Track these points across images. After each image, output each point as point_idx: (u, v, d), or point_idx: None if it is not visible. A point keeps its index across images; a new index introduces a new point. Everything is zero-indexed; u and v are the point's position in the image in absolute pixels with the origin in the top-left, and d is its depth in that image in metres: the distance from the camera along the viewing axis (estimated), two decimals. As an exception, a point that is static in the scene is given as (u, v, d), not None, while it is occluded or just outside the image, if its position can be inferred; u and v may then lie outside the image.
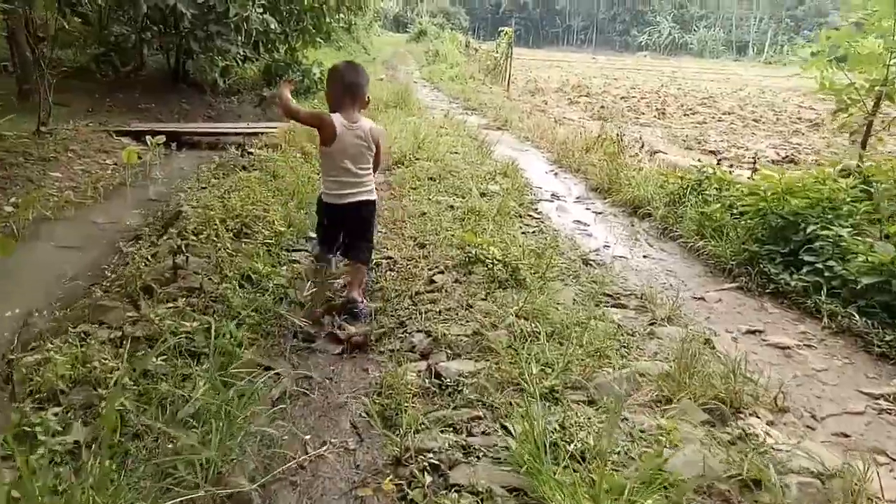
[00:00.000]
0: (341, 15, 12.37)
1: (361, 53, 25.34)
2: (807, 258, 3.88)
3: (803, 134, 13.95)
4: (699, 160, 8.88)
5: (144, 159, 7.39)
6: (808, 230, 3.98)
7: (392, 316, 3.28)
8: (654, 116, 15.31)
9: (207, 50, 9.80)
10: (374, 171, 3.54)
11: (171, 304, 3.06)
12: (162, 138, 7.68)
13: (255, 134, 8.69)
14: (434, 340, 2.93)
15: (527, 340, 2.88)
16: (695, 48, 60.44)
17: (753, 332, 3.44)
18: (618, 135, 7.61)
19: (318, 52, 16.99)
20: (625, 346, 3.03)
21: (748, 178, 5.64)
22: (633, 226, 5.43)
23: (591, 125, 13.43)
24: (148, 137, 7.61)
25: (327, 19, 11.57)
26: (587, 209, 5.94)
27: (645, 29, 62.00)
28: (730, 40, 60.72)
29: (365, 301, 3.42)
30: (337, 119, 3.23)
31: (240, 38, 10.01)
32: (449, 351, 2.85)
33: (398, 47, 35.09)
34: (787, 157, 10.68)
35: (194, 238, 3.84)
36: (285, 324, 3.15)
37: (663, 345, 3.12)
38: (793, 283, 3.81)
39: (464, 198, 5.54)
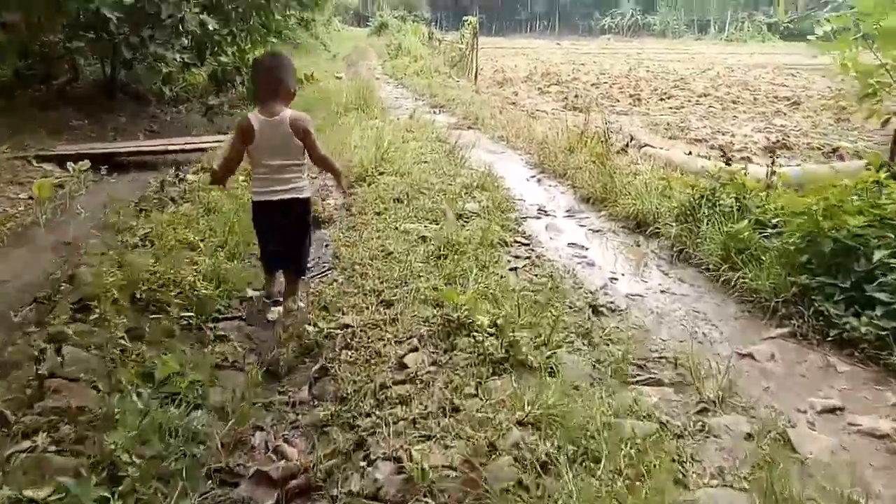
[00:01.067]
0: (292, 12, 11.26)
1: (321, 50, 24.13)
2: (877, 295, 3.01)
3: (785, 114, 13.22)
4: (699, 155, 8.07)
5: (67, 189, 6.33)
6: (874, 257, 3.11)
7: (347, 428, 2.34)
8: (630, 103, 14.48)
9: (143, 57, 8.70)
10: (320, 163, 3.30)
11: (27, 444, 2.08)
12: (86, 164, 6.61)
13: (200, 150, 7.64)
14: (407, 480, 1.99)
15: (541, 473, 1.96)
16: (657, 29, 59.96)
17: (832, 411, 2.56)
18: (604, 132, 6.71)
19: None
20: (678, 461, 2.13)
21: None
22: (638, 246, 4.54)
23: (567, 116, 12.56)
24: (70, 163, 6.55)
25: (277, 17, 10.47)
26: (581, 226, 5.04)
27: (608, 12, 61.35)
28: (691, 20, 60.33)
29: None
30: (253, 116, 3.07)
31: (178, 42, 8.91)
32: (430, 500, 1.91)
33: (359, 42, 33.86)
34: (777, 141, 9.90)
35: (81, 319, 2.84)
36: (197, 453, 2.19)
37: (725, 447, 2.23)
38: (862, 329, 2.94)
39: (437, 223, 4.61)
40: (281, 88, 3.10)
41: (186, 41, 9.04)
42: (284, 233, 3.25)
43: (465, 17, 17.45)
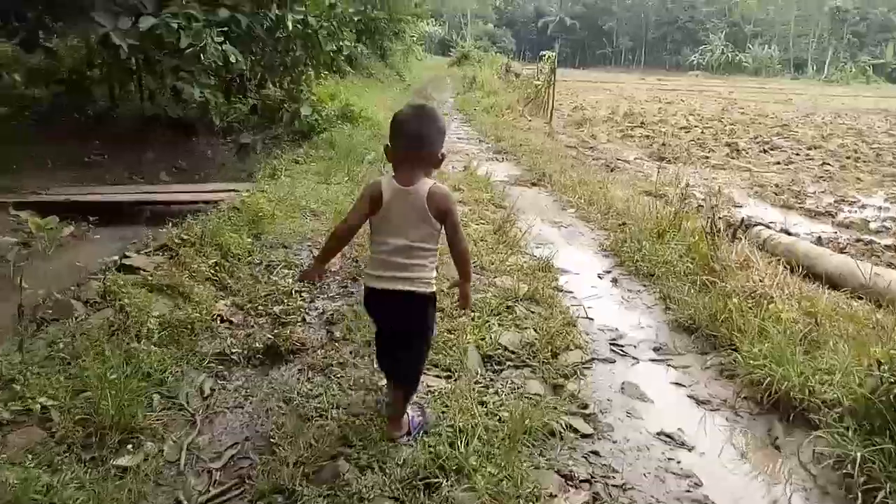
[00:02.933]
0: (345, 42, 9.89)
1: (395, 80, 22.99)
2: None
3: (922, 178, 10.75)
4: (841, 250, 6.02)
5: (13, 256, 4.98)
6: None
7: None
8: (727, 154, 12.34)
9: (164, 87, 7.46)
10: (455, 256, 2.46)
11: None
12: (53, 219, 5.27)
13: (207, 202, 6.22)
14: None
15: None
16: (749, 67, 56.36)
17: None
18: (709, 217, 4.81)
19: (335, 84, 14.64)
20: None
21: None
22: (776, 448, 2.66)
23: (651, 169, 10.61)
24: (29, 217, 5.23)
25: (329, 47, 9.11)
26: (677, 386, 3.18)
27: (697, 48, 58.19)
28: (786, 58, 56.42)
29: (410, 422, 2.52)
30: (385, 182, 2.35)
31: (204, 73, 7.63)
32: None
33: (439, 72, 32.76)
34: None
35: None
36: None
37: None
38: None
39: (453, 373, 2.92)
40: (425, 154, 2.37)
41: (212, 73, 7.75)
42: (393, 331, 2.53)
43: (543, 51, 15.73)
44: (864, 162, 12.05)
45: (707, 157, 11.87)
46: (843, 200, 8.73)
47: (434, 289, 2.46)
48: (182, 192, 6.75)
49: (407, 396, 2.57)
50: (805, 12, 52.38)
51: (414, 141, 2.34)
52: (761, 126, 17.85)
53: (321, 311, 3.83)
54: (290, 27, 8.12)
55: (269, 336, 3.31)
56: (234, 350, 3.20)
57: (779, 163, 11.64)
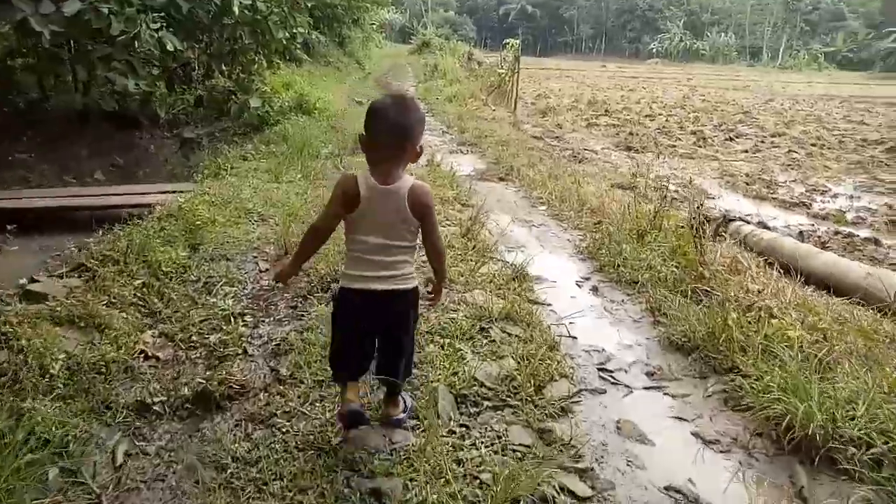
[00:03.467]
0: (300, 29, 9.22)
1: (354, 68, 22.24)
2: None
3: (887, 165, 10.65)
4: (823, 244, 5.72)
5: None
6: None
7: None
8: (694, 143, 12.08)
9: (95, 79, 6.75)
10: (432, 255, 2.38)
11: None
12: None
13: (142, 206, 5.59)
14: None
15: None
16: (707, 54, 56.84)
17: None
18: (693, 216, 4.39)
19: (290, 73, 13.91)
20: None
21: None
22: (800, 497, 2.26)
23: (620, 159, 10.26)
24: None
25: (280, 34, 8.45)
26: (678, 420, 2.75)
27: (656, 36, 58.39)
28: (742, 46, 57.07)
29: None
30: (362, 179, 2.20)
31: (148, 63, 6.96)
32: None
33: (399, 60, 32.00)
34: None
35: None
36: None
37: None
38: None
39: (421, 422, 2.44)
40: (406, 148, 2.20)
41: (151, 62, 7.07)
42: (380, 333, 2.38)
43: (515, 39, 15.24)
44: (829, 149, 11.92)
45: (674, 146, 11.58)
46: (815, 189, 8.49)
47: (416, 282, 2.33)
48: (114, 194, 6.08)
49: (398, 387, 2.50)
50: (761, 1, 52.91)
51: (393, 133, 2.17)
52: (723, 113, 17.73)
53: (266, 339, 3.29)
54: (237, 13, 7.46)
55: (202, 379, 2.77)
56: (157, 399, 2.65)
57: (746, 151, 11.42)
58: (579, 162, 9.57)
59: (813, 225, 6.73)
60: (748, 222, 6.10)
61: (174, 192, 6.05)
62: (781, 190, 8.39)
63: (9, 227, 5.28)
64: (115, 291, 3.45)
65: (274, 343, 3.22)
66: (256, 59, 9.20)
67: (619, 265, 4.38)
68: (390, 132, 2.17)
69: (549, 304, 3.84)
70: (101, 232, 4.72)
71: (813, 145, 12.12)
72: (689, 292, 3.82)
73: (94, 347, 2.97)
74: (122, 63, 6.66)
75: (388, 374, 2.41)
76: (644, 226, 4.87)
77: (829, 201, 7.95)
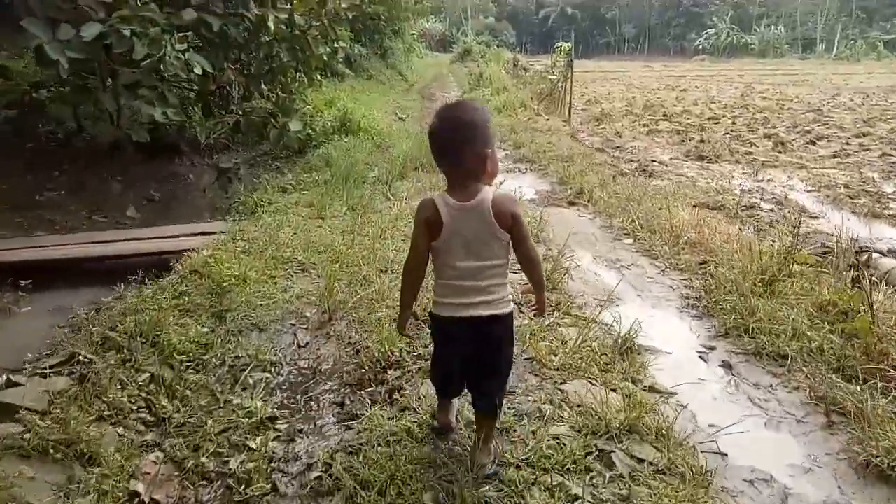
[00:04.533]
0: (341, 44, 8.45)
1: (397, 80, 21.53)
2: None
3: None
4: None
5: None
6: None
7: None
8: (772, 148, 10.82)
9: (121, 108, 6.09)
10: (527, 265, 2.16)
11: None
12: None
13: (159, 254, 4.83)
14: None
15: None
16: (756, 48, 54.37)
17: None
18: (850, 262, 3.36)
19: (332, 89, 13.21)
20: None
21: None
22: None
23: (692, 170, 9.15)
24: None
25: (321, 49, 7.68)
26: None
27: (702, 32, 56.18)
28: (794, 38, 54.37)
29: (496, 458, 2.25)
30: (441, 201, 2.03)
31: (179, 88, 6.27)
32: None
33: (441, 69, 31.25)
34: None
35: None
36: None
37: None
38: None
39: None
40: (474, 159, 1.99)
41: (182, 86, 6.37)
42: (474, 360, 2.15)
43: (556, 43, 14.22)
44: (927, 149, 10.51)
45: (750, 153, 10.37)
46: (938, 203, 7.23)
47: (512, 305, 2.16)
48: (143, 238, 5.35)
49: (494, 424, 2.29)
50: (811, -10, 50.46)
51: (450, 153, 2.04)
52: (791, 112, 16.29)
53: (303, 462, 2.41)
54: (273, 28, 6.70)
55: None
56: None
57: (835, 156, 10.12)
58: (649, 176, 8.50)
59: (954, 250, 5.53)
60: (883, 253, 4.96)
61: (207, 233, 5.30)
62: (893, 204, 7.16)
63: (23, 284, 4.60)
64: (112, 395, 2.64)
65: (317, 467, 2.34)
66: (297, 77, 8.45)
67: (750, 327, 3.36)
68: (452, 143, 2.01)
69: (674, 393, 2.87)
70: (121, 286, 3.98)
71: (909, 145, 10.73)
72: (865, 375, 2.79)
73: (71, 489, 2.15)
74: (150, 90, 5.95)
75: (486, 406, 2.24)
76: (770, 268, 3.83)
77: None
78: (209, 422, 2.61)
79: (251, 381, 2.98)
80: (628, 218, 5.56)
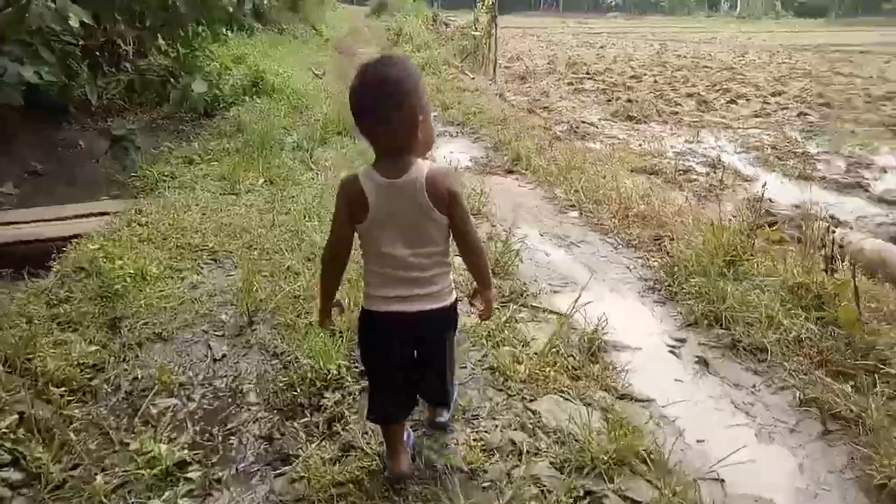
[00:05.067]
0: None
1: (310, 35, 20.22)
2: None
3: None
4: None
5: None
6: None
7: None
8: (695, 107, 10.81)
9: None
10: (469, 254, 1.85)
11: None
12: None
13: (40, 241, 4.05)
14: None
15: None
16: (665, 6, 55.45)
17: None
18: (821, 242, 3.12)
19: (240, 43, 12.10)
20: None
21: None
22: None
23: (623, 131, 8.94)
24: None
25: (223, 0, 6.78)
26: None
27: (614, -12, 56.62)
28: (700, -4, 55.81)
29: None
30: (366, 178, 1.73)
31: (55, 43, 5.30)
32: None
33: (357, 24, 29.81)
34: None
35: None
36: None
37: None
38: None
39: None
40: (405, 127, 1.67)
41: (58, 40, 5.40)
42: (416, 358, 1.92)
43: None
44: (840, 108, 10.77)
45: (676, 113, 10.29)
46: (858, 163, 7.31)
47: (455, 295, 1.89)
48: (19, 222, 4.50)
49: (443, 415, 2.21)
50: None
51: (376, 120, 1.67)
52: (707, 70, 16.48)
53: (225, 529, 1.91)
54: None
55: None
56: None
57: (756, 115, 10.19)
58: (581, 138, 8.21)
59: (888, 215, 5.53)
60: (846, 229, 4.83)
61: (99, 214, 4.53)
62: (820, 165, 7.19)
63: None
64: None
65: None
66: (199, 30, 7.50)
67: (721, 315, 3.07)
68: (378, 108, 1.66)
69: (651, 399, 2.53)
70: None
71: (824, 105, 10.94)
72: (851, 370, 2.55)
73: None
74: (22, 46, 4.99)
75: (434, 402, 2.15)
76: (733, 246, 3.55)
77: (879, 177, 6.78)
78: (98, 477, 2.05)
79: (154, 412, 2.41)
80: (571, 188, 5.20)
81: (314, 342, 2.66)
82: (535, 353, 2.70)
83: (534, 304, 3.24)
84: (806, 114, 10.26)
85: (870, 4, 51.84)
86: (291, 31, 18.89)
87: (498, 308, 3.14)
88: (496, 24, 12.38)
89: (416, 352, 1.93)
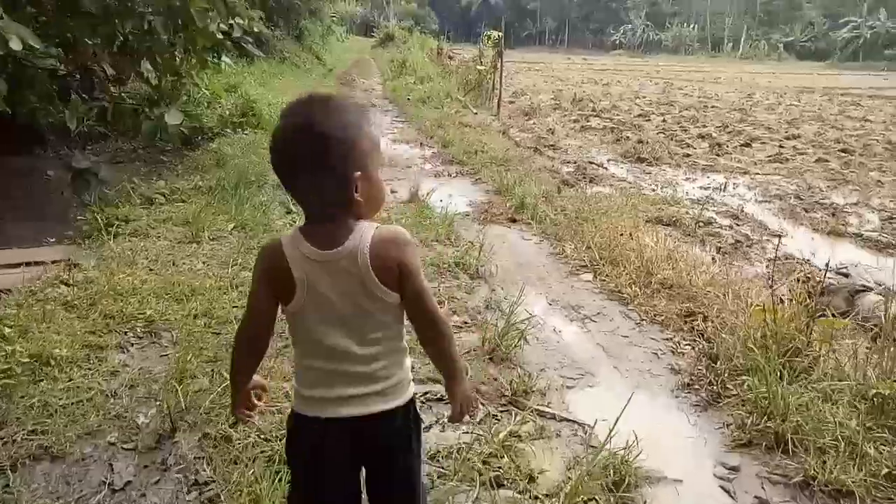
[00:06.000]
0: (237, 20, 6.94)
1: (314, 64, 19.84)
2: None
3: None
4: None
5: None
6: None
7: None
8: (708, 150, 10.20)
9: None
10: (430, 339, 1.43)
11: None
12: None
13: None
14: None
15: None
16: (669, 45, 55.61)
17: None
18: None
19: (240, 69, 11.59)
20: None
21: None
22: None
23: (633, 174, 8.31)
24: None
25: (206, 24, 6.19)
26: None
27: (619, 27, 56.79)
28: (704, 36, 55.94)
29: None
30: (290, 248, 1.32)
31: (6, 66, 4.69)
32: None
33: (362, 55, 29.60)
34: None
35: None
36: None
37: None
38: None
39: None
40: (337, 185, 1.29)
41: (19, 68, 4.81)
42: (370, 483, 1.47)
43: (484, 30, 13.12)
44: (860, 155, 10.15)
45: (688, 155, 9.67)
46: (891, 218, 6.64)
47: (412, 391, 1.43)
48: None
49: None
50: (720, -9, 51.97)
51: (300, 176, 1.29)
52: (716, 111, 15.97)
53: None
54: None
55: None
56: None
57: (773, 160, 9.57)
58: (590, 181, 7.56)
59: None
60: (869, 288, 4.13)
61: (35, 263, 3.85)
62: (851, 219, 6.51)
63: None
64: None
65: None
66: (185, 57, 6.91)
67: (784, 435, 2.35)
68: (301, 161, 1.26)
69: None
70: None
71: (843, 151, 10.33)
72: None
73: None
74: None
75: None
76: (786, 335, 2.84)
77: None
78: None
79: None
80: (583, 244, 4.51)
81: (245, 474, 1.94)
82: (546, 496, 1.98)
83: (542, 409, 2.52)
84: (825, 160, 9.63)
85: (871, 51, 51.94)
86: (293, 61, 18.50)
87: (496, 417, 2.43)
88: (501, 59, 11.85)
89: (367, 476, 1.47)
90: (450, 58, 18.52)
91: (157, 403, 2.45)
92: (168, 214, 4.68)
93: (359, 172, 1.28)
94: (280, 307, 1.36)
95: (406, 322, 1.41)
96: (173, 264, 3.77)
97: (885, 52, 50.21)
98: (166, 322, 3.09)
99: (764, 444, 2.35)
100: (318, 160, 1.25)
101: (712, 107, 16.92)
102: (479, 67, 12.96)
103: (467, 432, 2.32)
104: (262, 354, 1.49)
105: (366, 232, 1.31)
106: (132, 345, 2.89)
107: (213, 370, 2.65)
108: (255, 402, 1.50)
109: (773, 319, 2.87)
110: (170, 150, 7.13)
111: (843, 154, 10.16)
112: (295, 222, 4.76)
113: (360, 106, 1.46)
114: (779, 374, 2.64)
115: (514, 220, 5.24)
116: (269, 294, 1.36)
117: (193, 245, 4.18)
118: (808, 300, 2.98)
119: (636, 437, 2.25)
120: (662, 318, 3.43)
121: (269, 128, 8.33)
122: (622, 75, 30.54)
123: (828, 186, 7.96)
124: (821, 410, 2.40)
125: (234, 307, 3.26)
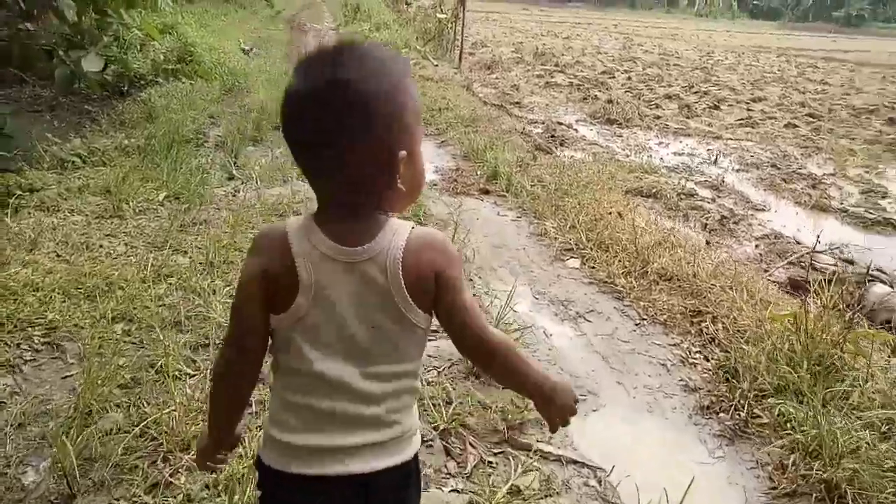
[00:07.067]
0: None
1: (260, 5, 18.43)
2: None
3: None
4: None
5: None
6: None
7: None
8: (678, 112, 9.82)
9: None
10: (490, 364, 1.07)
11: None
12: None
13: None
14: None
15: None
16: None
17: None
18: None
19: (178, 8, 10.44)
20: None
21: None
22: None
23: (604, 137, 7.85)
24: None
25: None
26: None
27: (577, -21, 55.57)
28: (661, -9, 55.53)
29: None
30: (300, 238, 0.94)
31: None
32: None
33: (313, -3, 27.89)
34: None
35: None
36: None
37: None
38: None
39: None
40: (374, 164, 0.91)
41: None
42: None
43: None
44: (827, 120, 9.94)
45: (658, 118, 9.25)
46: (870, 190, 6.39)
47: (419, 441, 1.06)
48: None
49: None
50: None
51: (324, 149, 0.91)
52: (678, 69, 15.59)
53: None
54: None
55: None
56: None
57: (742, 124, 9.25)
58: (560, 144, 7.06)
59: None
60: (881, 280, 3.81)
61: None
62: (831, 191, 6.23)
63: None
64: None
65: None
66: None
67: (834, 482, 1.95)
68: (329, 131, 0.89)
69: None
70: None
71: (810, 116, 10.09)
72: None
73: None
74: None
75: None
76: (819, 344, 2.44)
77: (892, 202, 5.89)
78: None
79: None
80: (566, 222, 4.02)
81: None
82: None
83: (545, 450, 2.05)
84: (794, 125, 9.37)
85: (820, 11, 52.50)
86: (239, 1, 17.14)
87: (491, 464, 1.95)
88: (464, 8, 11.05)
89: None
90: (407, 4, 17.45)
91: (54, 452, 1.87)
92: (85, 181, 3.94)
93: (404, 152, 0.93)
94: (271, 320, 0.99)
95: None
96: (87, 248, 3.10)
97: (833, 14, 50.85)
98: (73, 329, 2.46)
99: (814, 495, 1.95)
100: (355, 133, 0.89)
101: (674, 65, 16.54)
102: (439, 16, 12.11)
103: (455, 490, 1.83)
104: (250, 391, 1.09)
105: (400, 231, 0.96)
106: (26, 362, 2.27)
107: (130, 401, 2.07)
108: (225, 453, 1.15)
109: (805, 329, 2.45)
110: (96, 99, 6.25)
111: (812, 119, 9.92)
112: (234, 196, 4.12)
113: (401, 56, 1.00)
114: (815, 392, 2.24)
115: (486, 192, 4.70)
116: (261, 299, 0.97)
117: (114, 220, 3.50)
118: (840, 304, 2.58)
119: (666, 495, 1.81)
120: (665, 317, 3.00)
121: (208, 76, 7.49)
122: (581, 28, 29.84)
123: (801, 154, 7.68)
124: (875, 450, 2.01)
125: (160, 306, 2.66)
